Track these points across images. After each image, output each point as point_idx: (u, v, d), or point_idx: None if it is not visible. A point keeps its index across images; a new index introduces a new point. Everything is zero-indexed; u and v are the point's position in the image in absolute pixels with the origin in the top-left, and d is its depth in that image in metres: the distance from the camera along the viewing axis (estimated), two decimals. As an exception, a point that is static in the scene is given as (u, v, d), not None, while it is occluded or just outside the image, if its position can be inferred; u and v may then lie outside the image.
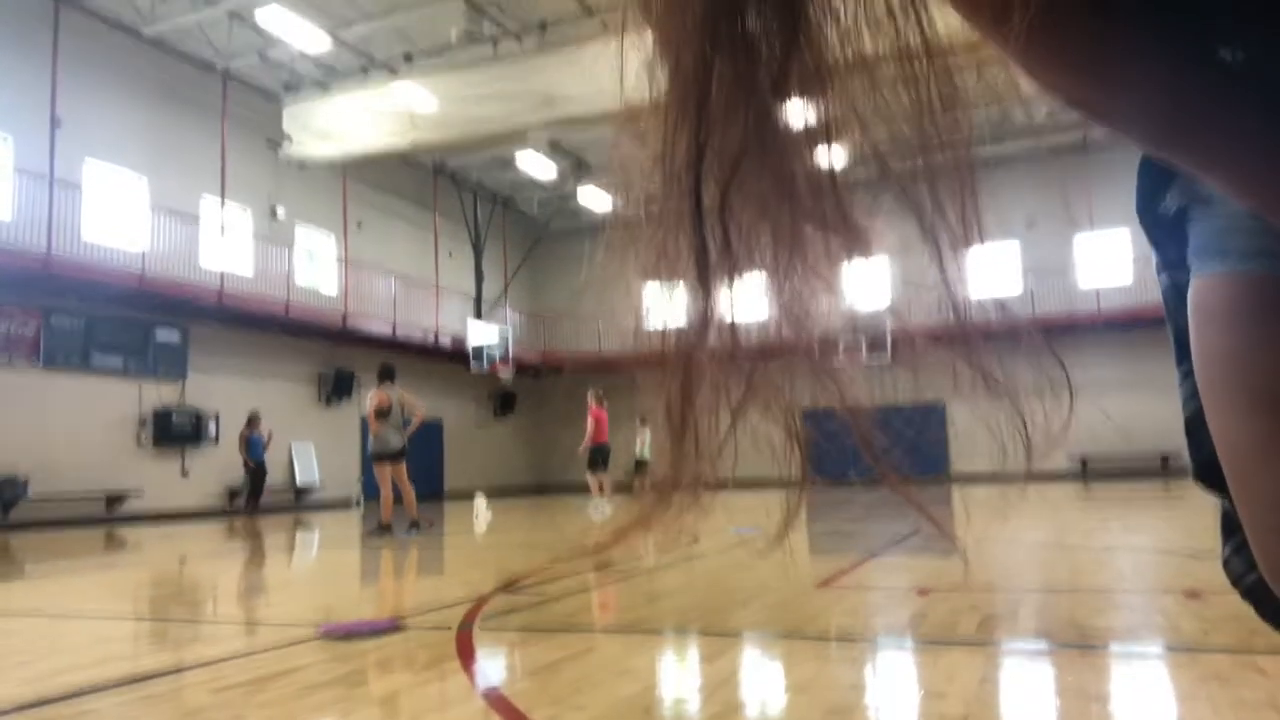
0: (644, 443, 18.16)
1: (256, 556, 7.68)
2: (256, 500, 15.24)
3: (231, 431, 16.38)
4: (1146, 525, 7.58)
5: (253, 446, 15.26)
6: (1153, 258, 0.75)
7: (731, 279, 0.64)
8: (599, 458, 13.05)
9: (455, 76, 14.30)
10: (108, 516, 14.91)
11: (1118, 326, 21.16)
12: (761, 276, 0.66)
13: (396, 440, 9.29)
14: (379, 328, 19.88)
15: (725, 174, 0.59)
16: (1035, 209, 23.12)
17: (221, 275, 16.28)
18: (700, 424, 0.71)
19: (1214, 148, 0.51)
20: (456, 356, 21.93)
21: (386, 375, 9.47)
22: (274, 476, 17.94)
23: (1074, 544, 6.16)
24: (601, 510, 12.32)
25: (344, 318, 18.93)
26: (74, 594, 5.24)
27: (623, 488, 14.12)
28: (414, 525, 9.18)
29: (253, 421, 15.36)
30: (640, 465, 18.31)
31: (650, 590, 4.70)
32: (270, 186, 18.88)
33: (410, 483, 9.44)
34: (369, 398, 9.39)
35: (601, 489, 12.99)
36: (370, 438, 9.34)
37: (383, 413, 9.17)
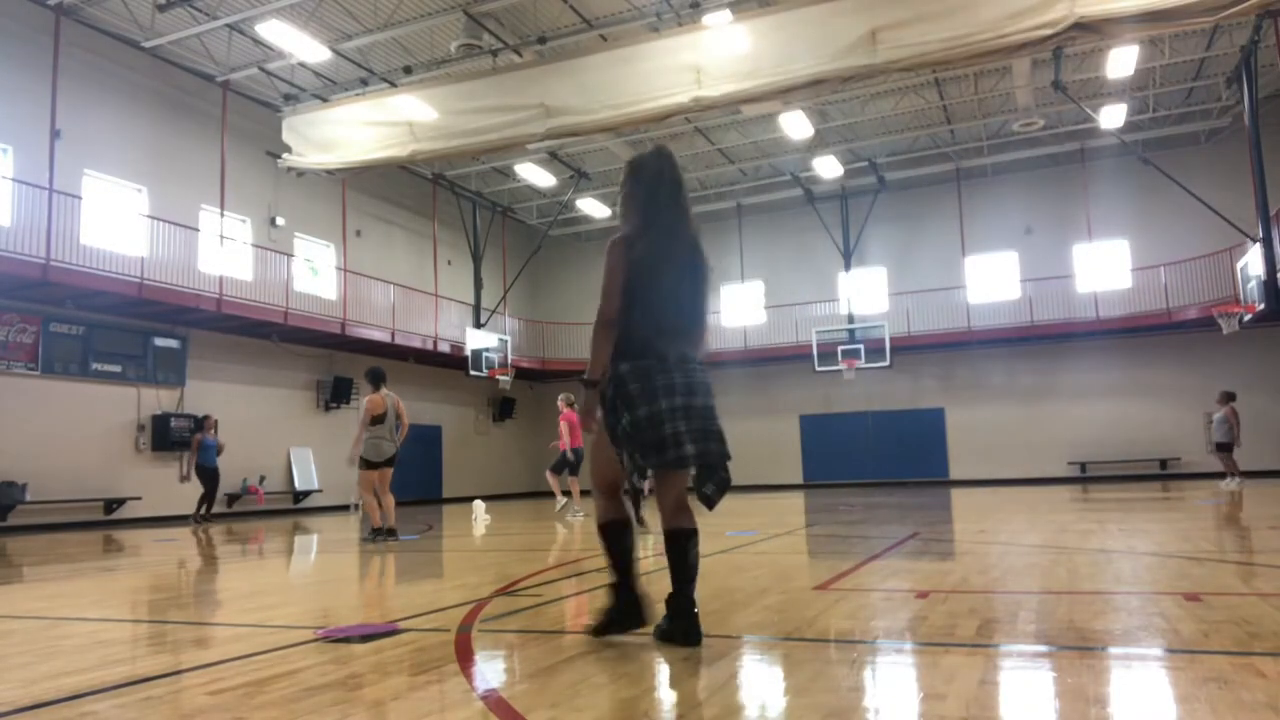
0: None
1: (255, 560, 7.67)
2: (209, 506, 14.51)
3: (231, 436, 16.39)
4: (1145, 528, 7.58)
5: (205, 450, 14.54)
6: None
7: None
8: (570, 461, 12.92)
9: (454, 88, 14.32)
10: (106, 520, 14.91)
11: (1115, 332, 21.19)
12: None
13: (390, 446, 8.99)
14: (378, 335, 19.91)
15: None
16: (1034, 216, 23.18)
17: (220, 282, 16.31)
18: None
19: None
20: (455, 363, 21.95)
21: (380, 379, 9.18)
22: (273, 481, 17.96)
23: (1072, 546, 6.16)
24: (575, 513, 12.19)
25: (343, 325, 18.95)
26: (72, 597, 5.24)
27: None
28: (390, 532, 8.91)
29: (205, 424, 14.84)
30: None
31: (648, 593, 4.70)
32: (270, 196, 18.93)
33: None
34: (364, 402, 9.08)
35: (568, 492, 12.85)
36: (366, 443, 8.95)
37: (379, 418, 8.92)
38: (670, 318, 3.08)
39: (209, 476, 14.45)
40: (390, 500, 9.04)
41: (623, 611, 3.17)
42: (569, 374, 25.09)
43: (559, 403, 13.27)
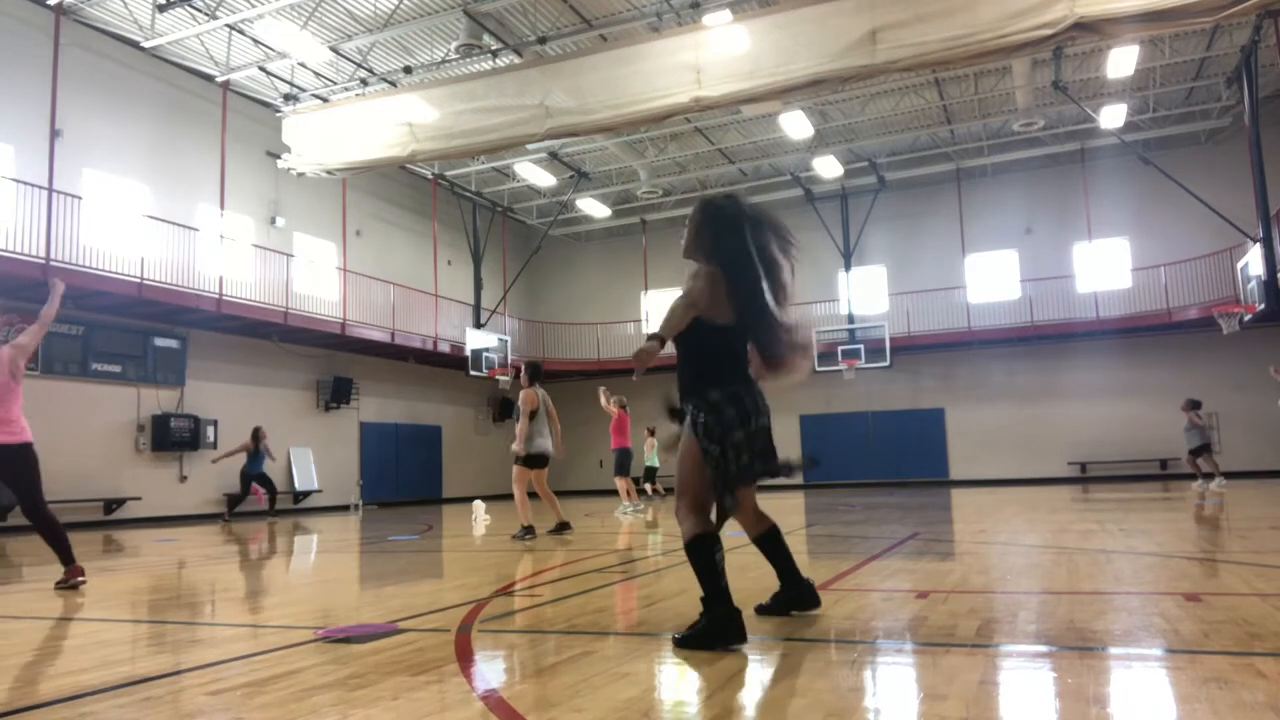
0: (653, 449, 18.28)
1: (255, 561, 7.67)
2: (272, 503, 15.77)
3: (231, 437, 16.45)
4: (1145, 528, 7.58)
5: (256, 460, 15.46)
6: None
7: None
8: (622, 463, 13.38)
9: (454, 88, 14.33)
10: (106, 521, 14.91)
11: (1115, 332, 21.19)
12: None
13: (545, 442, 8.84)
14: (378, 335, 19.91)
15: None
16: (1034, 216, 23.18)
17: (220, 282, 16.30)
18: None
19: None
20: (456, 363, 21.95)
21: (536, 375, 8.94)
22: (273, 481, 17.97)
23: (1073, 547, 6.16)
24: (626, 513, 12.38)
25: (343, 325, 18.95)
26: (73, 597, 5.24)
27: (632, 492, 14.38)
28: (564, 525, 8.83)
29: (260, 434, 15.57)
30: (650, 471, 18.48)
31: (649, 593, 4.71)
32: (270, 196, 18.93)
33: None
34: (523, 397, 8.78)
35: (629, 493, 13.18)
36: (526, 440, 8.71)
37: (534, 414, 8.74)
38: (745, 350, 3.46)
39: (264, 482, 15.50)
40: (551, 495, 9.05)
41: (723, 626, 3.16)
42: (569, 374, 25.12)
43: (611, 404, 13.72)
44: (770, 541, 3.66)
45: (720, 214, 3.47)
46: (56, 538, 5.64)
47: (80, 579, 5.59)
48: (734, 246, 3.40)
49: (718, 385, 3.29)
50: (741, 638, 3.15)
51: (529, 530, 8.63)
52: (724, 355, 3.35)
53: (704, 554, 3.24)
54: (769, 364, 3.46)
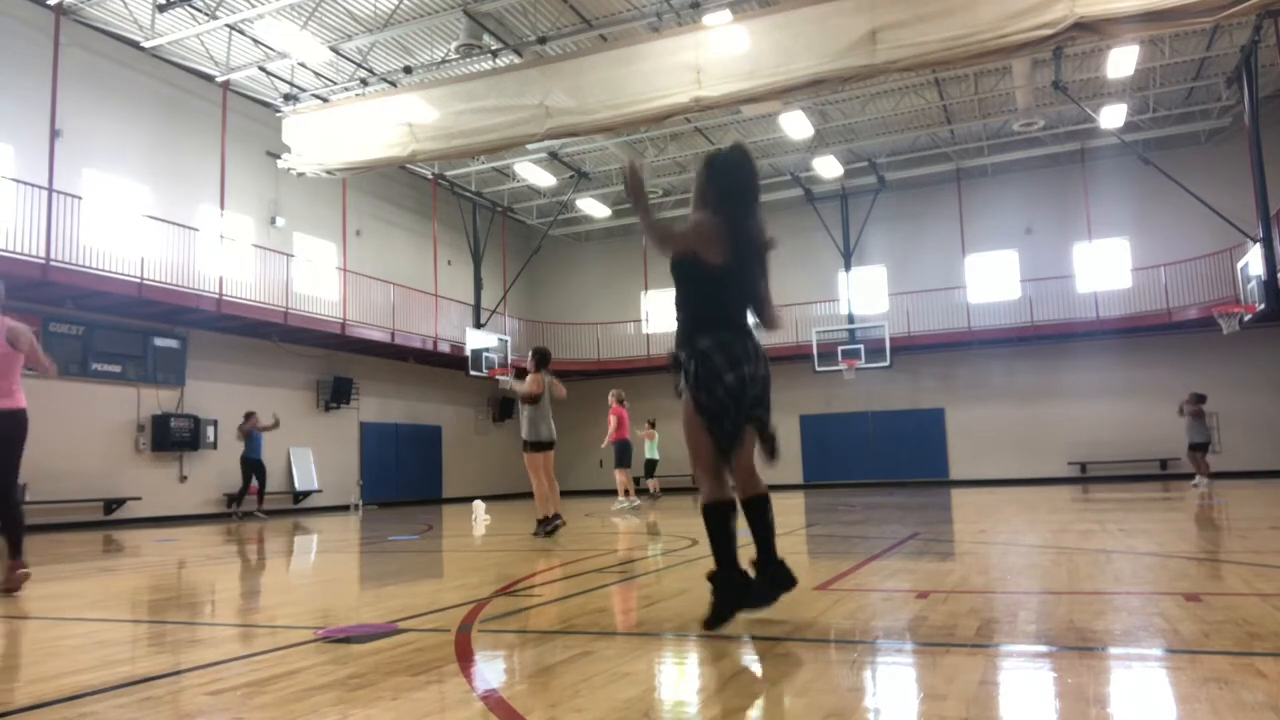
0: (653, 440, 18.29)
1: (255, 560, 7.67)
2: (260, 499, 15.75)
3: (231, 436, 16.49)
4: (1145, 528, 7.58)
5: (253, 442, 15.62)
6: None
7: None
8: (622, 455, 13.35)
9: (454, 88, 14.33)
10: (106, 520, 14.91)
11: (1115, 332, 21.19)
12: None
13: (547, 429, 8.87)
14: (378, 335, 19.91)
15: None
16: (1034, 216, 23.18)
17: (220, 282, 16.30)
18: None
19: None
20: (456, 363, 21.95)
21: (543, 361, 8.97)
22: (272, 481, 17.97)
23: (1072, 546, 6.16)
24: (621, 508, 12.34)
25: (343, 325, 18.95)
26: (72, 597, 5.24)
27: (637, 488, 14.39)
28: (554, 517, 8.76)
29: (252, 419, 15.71)
30: (651, 465, 18.46)
31: (649, 593, 4.70)
32: (270, 196, 18.94)
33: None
34: (528, 381, 8.81)
35: (628, 490, 13.17)
36: (526, 425, 8.79)
37: (536, 398, 8.76)
38: (741, 297, 3.41)
39: (256, 468, 15.49)
40: (555, 486, 8.93)
41: (736, 592, 3.27)
42: (570, 374, 25.13)
43: (610, 398, 13.67)
44: (756, 508, 3.47)
45: (725, 164, 3.53)
46: (15, 528, 5.38)
47: (24, 573, 5.25)
48: (738, 190, 3.45)
49: (707, 332, 3.29)
50: (759, 600, 3.31)
51: (543, 524, 8.61)
52: (715, 301, 3.34)
53: (717, 520, 3.28)
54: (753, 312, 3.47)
